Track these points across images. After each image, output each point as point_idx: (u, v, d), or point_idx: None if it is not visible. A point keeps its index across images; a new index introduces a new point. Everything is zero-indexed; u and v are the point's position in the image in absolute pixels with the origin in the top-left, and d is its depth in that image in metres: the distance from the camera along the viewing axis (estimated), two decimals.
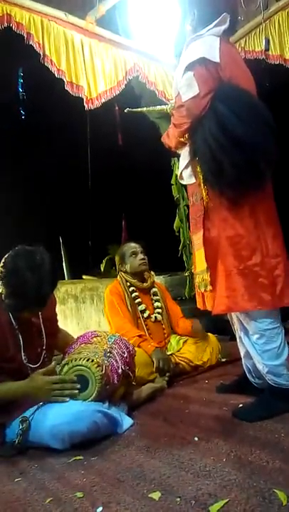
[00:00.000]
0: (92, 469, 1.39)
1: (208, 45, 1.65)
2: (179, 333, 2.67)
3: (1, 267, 1.68)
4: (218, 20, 1.70)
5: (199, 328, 2.62)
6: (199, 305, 1.86)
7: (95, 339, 1.89)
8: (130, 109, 2.18)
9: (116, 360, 1.79)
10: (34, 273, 1.63)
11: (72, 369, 1.67)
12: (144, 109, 2.24)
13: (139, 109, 2.24)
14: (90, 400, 1.62)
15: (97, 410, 1.60)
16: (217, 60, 1.62)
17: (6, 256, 1.72)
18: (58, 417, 1.55)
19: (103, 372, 1.66)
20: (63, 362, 1.72)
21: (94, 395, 1.63)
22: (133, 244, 2.72)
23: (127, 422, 1.73)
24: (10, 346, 1.72)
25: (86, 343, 1.86)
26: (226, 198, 1.66)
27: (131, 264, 2.64)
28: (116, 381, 1.75)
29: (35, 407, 1.63)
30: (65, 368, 1.68)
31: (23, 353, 1.74)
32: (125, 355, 1.87)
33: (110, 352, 1.81)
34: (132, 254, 2.66)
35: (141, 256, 2.65)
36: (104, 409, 1.63)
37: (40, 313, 1.84)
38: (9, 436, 1.65)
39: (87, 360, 1.67)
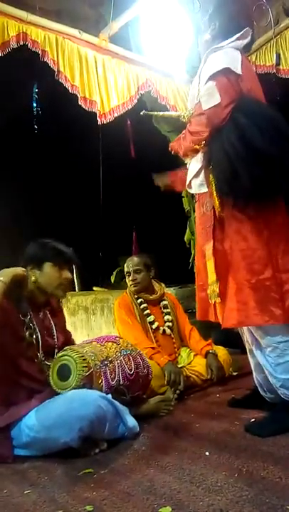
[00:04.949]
0: (101, 483, 1.38)
1: (231, 57, 1.68)
2: (190, 347, 2.64)
3: (29, 252, 1.89)
4: (240, 33, 1.74)
5: (214, 364, 2.45)
6: (210, 317, 1.83)
7: (109, 344, 1.87)
8: (146, 112, 2.15)
9: (113, 372, 1.76)
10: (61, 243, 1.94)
11: (62, 357, 1.71)
12: (160, 113, 2.23)
13: (155, 113, 2.23)
14: (65, 391, 1.66)
15: (101, 396, 1.63)
16: (239, 71, 1.65)
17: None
18: (64, 405, 1.59)
19: (87, 374, 1.66)
20: (64, 348, 1.78)
21: (69, 389, 1.65)
22: (130, 262, 2.61)
23: (131, 420, 1.72)
24: (28, 345, 1.77)
25: (98, 342, 1.87)
26: (239, 210, 1.66)
27: (128, 282, 2.63)
28: (104, 391, 1.71)
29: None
30: (60, 353, 1.73)
31: (41, 350, 1.79)
32: (131, 373, 1.83)
33: (111, 362, 1.78)
34: (126, 273, 2.61)
35: (133, 276, 2.56)
36: (108, 397, 1.66)
37: (49, 315, 1.92)
38: (15, 438, 1.66)
39: (80, 356, 1.69)
